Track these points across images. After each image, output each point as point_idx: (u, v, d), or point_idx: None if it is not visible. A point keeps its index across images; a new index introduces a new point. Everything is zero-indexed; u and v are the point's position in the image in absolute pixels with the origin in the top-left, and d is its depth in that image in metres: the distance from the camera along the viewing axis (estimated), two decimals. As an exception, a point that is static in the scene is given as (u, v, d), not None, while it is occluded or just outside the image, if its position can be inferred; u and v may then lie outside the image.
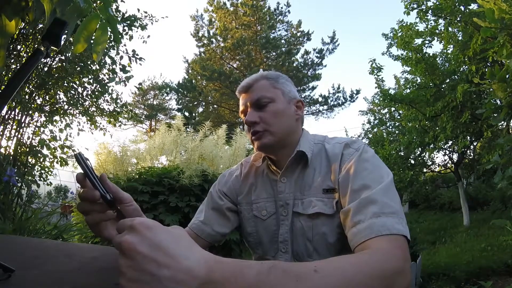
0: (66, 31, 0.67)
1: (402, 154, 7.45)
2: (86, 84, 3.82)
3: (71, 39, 1.67)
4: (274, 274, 0.36)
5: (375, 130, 10.27)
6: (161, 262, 0.32)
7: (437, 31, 6.31)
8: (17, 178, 2.59)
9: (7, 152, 3.16)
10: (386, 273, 0.44)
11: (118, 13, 3.61)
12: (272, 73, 0.82)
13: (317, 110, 16.17)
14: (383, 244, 0.52)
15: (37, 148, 3.43)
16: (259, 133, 0.76)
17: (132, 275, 0.32)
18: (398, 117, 8.77)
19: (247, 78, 0.83)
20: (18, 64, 3.07)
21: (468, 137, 6.59)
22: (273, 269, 0.36)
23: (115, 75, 3.83)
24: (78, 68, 3.44)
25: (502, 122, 2.42)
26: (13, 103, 3.02)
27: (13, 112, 3.16)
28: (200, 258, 0.35)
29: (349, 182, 0.66)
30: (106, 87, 3.84)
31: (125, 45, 4.04)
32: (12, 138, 3.23)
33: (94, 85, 3.82)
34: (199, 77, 15.66)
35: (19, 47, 3.10)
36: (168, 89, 16.07)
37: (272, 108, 0.77)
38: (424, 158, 7.87)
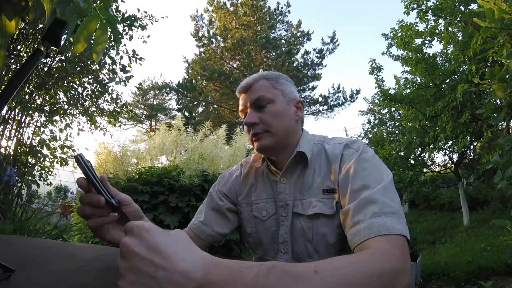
0: (66, 31, 0.67)
1: (402, 154, 7.45)
2: (86, 84, 3.82)
3: (71, 39, 1.68)
4: (274, 275, 0.35)
5: (375, 130, 10.27)
6: (158, 263, 0.33)
7: (437, 31, 6.31)
8: (17, 178, 2.59)
9: (7, 152, 3.16)
10: (386, 273, 0.44)
11: (118, 13, 3.61)
12: (272, 73, 0.82)
13: (317, 110, 16.18)
14: (382, 244, 0.52)
15: (37, 148, 3.43)
16: (259, 134, 0.76)
17: (131, 277, 0.33)
18: (398, 117, 8.77)
19: (247, 78, 0.82)
20: (18, 64, 3.06)
21: (468, 137, 6.59)
22: (272, 270, 0.36)
23: (115, 75, 3.83)
24: (78, 68, 3.44)
25: (502, 122, 2.42)
26: (13, 103, 3.02)
27: (13, 112, 3.16)
28: (197, 260, 0.35)
29: (349, 182, 0.66)
30: (106, 87, 3.83)
31: (125, 45, 4.04)
32: (12, 138, 3.22)
33: (94, 85, 3.81)
34: (199, 77, 15.65)
35: (19, 47, 3.09)
36: (168, 89, 16.11)
37: (271, 108, 0.76)
38: (424, 158, 7.88)
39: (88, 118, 3.96)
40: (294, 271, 0.37)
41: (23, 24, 2.61)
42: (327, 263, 0.41)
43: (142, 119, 18.80)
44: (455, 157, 7.91)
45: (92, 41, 0.85)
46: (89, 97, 3.88)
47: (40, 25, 2.51)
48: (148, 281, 0.32)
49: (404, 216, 0.59)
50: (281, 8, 15.93)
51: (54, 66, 3.40)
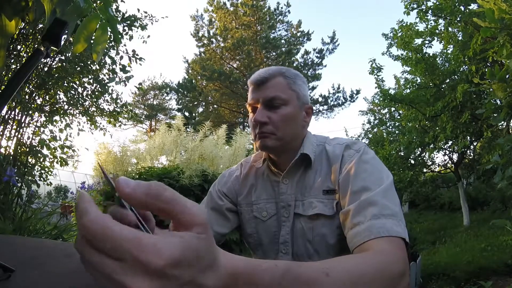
0: (66, 31, 0.67)
1: (402, 154, 7.44)
2: (86, 84, 3.82)
3: (71, 39, 1.68)
4: (287, 280, 0.34)
5: (375, 130, 10.27)
6: (200, 284, 0.27)
7: (437, 31, 6.30)
8: (17, 178, 2.58)
9: (7, 152, 3.16)
10: (390, 274, 0.44)
11: (118, 13, 3.61)
12: (291, 72, 0.78)
13: (317, 110, 16.17)
14: (383, 245, 0.52)
15: (37, 148, 3.43)
16: (265, 134, 0.75)
17: None
18: (398, 117, 8.76)
19: (263, 69, 0.77)
20: (18, 64, 3.06)
21: (468, 137, 6.58)
22: (286, 275, 0.34)
23: (115, 75, 3.83)
24: (78, 68, 3.44)
25: (502, 122, 2.42)
26: (13, 103, 3.02)
27: (13, 112, 3.16)
28: (224, 265, 0.30)
29: (349, 183, 0.66)
30: (106, 87, 3.83)
31: (125, 45, 4.04)
32: (12, 138, 3.22)
33: (94, 85, 3.81)
34: (199, 77, 15.66)
35: (19, 47, 3.09)
36: (168, 89, 16.12)
37: (284, 111, 0.74)
38: (424, 158, 7.86)
39: (88, 118, 3.96)
40: (308, 274, 0.36)
41: (23, 24, 2.61)
42: (337, 265, 0.41)
43: (142, 119, 18.81)
44: (455, 157, 7.90)
45: (92, 41, 0.85)
46: (89, 97, 3.89)
47: (40, 25, 2.51)
48: None
49: (403, 219, 0.59)
50: (281, 8, 15.95)
51: (54, 66, 3.40)
